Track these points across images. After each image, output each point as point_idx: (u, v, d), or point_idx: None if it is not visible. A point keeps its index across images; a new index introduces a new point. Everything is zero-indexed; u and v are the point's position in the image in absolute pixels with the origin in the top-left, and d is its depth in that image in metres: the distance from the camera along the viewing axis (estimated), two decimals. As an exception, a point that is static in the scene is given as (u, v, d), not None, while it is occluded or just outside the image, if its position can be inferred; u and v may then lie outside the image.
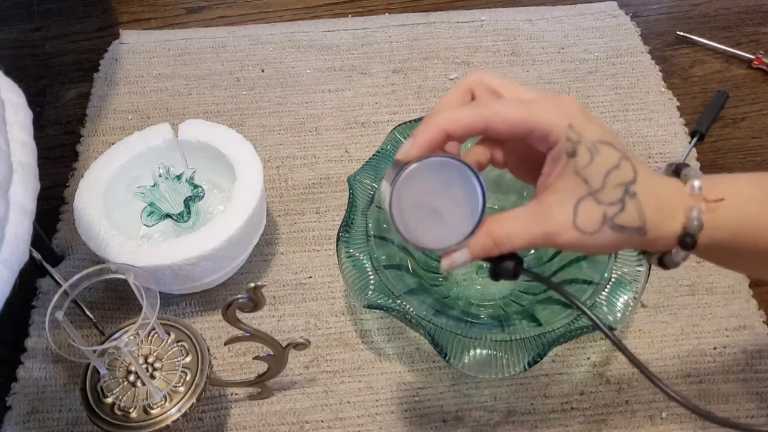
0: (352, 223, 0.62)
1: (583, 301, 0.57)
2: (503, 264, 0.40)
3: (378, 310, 0.59)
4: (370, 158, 0.67)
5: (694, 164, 0.78)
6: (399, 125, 0.68)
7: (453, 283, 0.66)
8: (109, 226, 0.63)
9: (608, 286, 0.57)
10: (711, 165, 0.78)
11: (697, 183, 0.37)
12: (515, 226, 0.38)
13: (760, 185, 0.38)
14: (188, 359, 0.55)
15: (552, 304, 0.60)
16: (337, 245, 0.61)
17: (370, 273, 0.59)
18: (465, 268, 0.67)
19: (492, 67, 0.89)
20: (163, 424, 0.52)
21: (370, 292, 0.58)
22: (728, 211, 0.37)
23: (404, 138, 0.67)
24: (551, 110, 0.37)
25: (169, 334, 0.56)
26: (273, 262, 0.71)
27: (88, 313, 0.58)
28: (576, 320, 0.56)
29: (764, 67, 0.87)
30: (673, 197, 0.37)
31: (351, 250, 0.60)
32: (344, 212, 0.63)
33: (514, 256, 0.40)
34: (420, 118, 0.68)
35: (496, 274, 0.41)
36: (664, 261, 0.39)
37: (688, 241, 0.37)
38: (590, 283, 0.59)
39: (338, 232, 0.61)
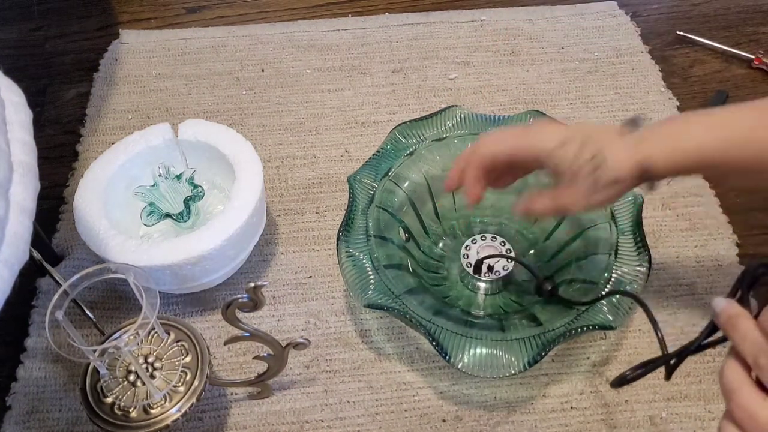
0: (352, 222, 0.62)
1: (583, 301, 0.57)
2: (544, 285, 0.59)
3: (378, 310, 0.59)
4: (370, 158, 0.67)
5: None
6: (399, 125, 0.68)
7: (453, 283, 0.66)
8: (108, 226, 0.63)
9: (608, 286, 0.57)
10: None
11: (637, 133, 0.49)
12: (545, 203, 0.53)
13: (710, 127, 0.48)
14: (188, 359, 0.55)
15: (552, 304, 0.60)
16: (337, 245, 0.61)
17: (370, 273, 0.59)
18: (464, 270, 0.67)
19: (492, 67, 0.89)
20: (163, 424, 0.52)
21: (370, 292, 0.58)
22: (680, 154, 0.48)
23: (404, 137, 0.67)
24: (522, 135, 0.53)
25: (169, 334, 0.56)
26: (273, 261, 0.71)
27: (88, 313, 0.58)
28: (576, 320, 0.56)
29: (764, 67, 0.87)
30: (628, 154, 0.49)
31: (351, 250, 0.60)
32: (344, 212, 0.63)
33: (552, 281, 0.60)
34: (420, 118, 0.68)
35: (539, 292, 0.60)
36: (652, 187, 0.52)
37: (646, 178, 0.49)
38: (590, 282, 0.59)
39: (338, 232, 0.61)
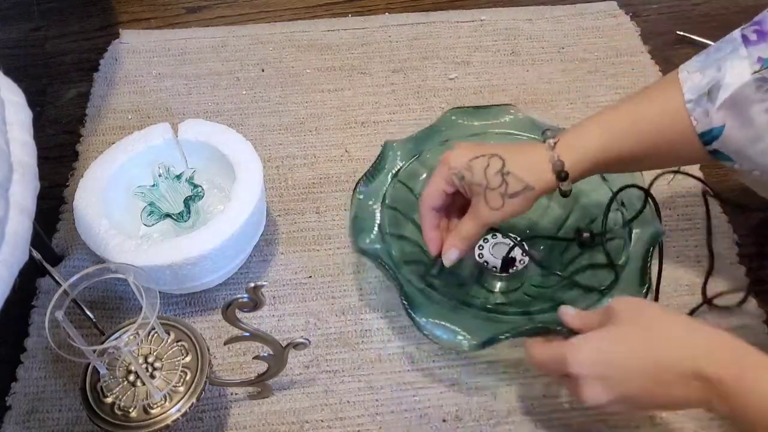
0: (373, 178, 0.67)
1: (595, 301, 0.58)
2: (581, 237, 0.63)
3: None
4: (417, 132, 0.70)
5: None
6: (454, 108, 0.71)
7: (468, 284, 0.66)
8: (108, 226, 0.63)
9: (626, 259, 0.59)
10: (711, 164, 0.78)
11: (551, 141, 0.55)
12: (467, 226, 0.58)
13: (602, 125, 0.55)
14: (188, 359, 0.55)
15: (571, 289, 0.61)
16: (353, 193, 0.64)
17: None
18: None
19: (492, 66, 0.89)
20: (163, 424, 0.52)
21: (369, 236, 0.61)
22: (584, 151, 0.54)
23: (462, 119, 0.71)
24: (440, 170, 0.58)
25: (169, 334, 0.56)
26: (273, 262, 0.71)
27: (88, 312, 0.58)
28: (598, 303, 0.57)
29: (764, 67, 0.87)
30: (539, 159, 0.55)
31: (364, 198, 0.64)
32: (343, 211, 0.63)
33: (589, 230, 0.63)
34: (480, 107, 0.71)
35: (580, 243, 0.63)
36: (562, 193, 0.57)
37: (562, 176, 0.54)
38: (609, 266, 0.60)
39: (357, 183, 0.65)
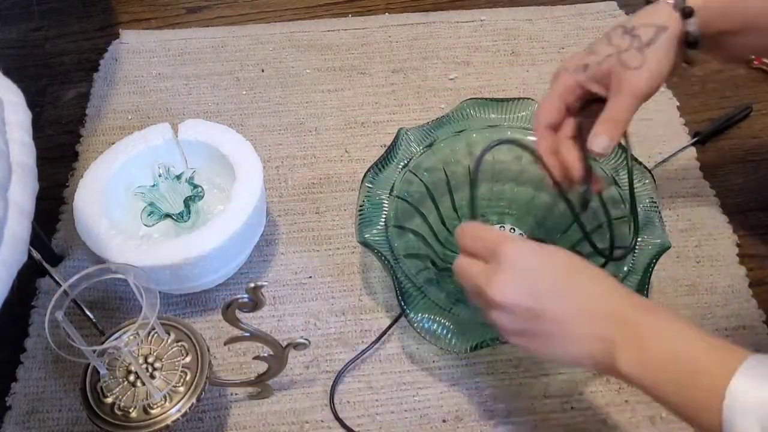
0: (384, 167, 0.65)
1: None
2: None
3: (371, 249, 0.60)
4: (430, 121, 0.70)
5: (693, 164, 0.78)
6: (468, 99, 0.70)
7: None
8: (109, 226, 0.63)
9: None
10: (711, 164, 0.78)
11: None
12: (616, 105, 0.53)
13: None
14: (188, 359, 0.55)
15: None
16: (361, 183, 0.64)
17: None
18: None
19: (492, 67, 0.89)
20: (163, 424, 0.52)
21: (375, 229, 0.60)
22: None
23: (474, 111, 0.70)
24: (554, 84, 0.55)
25: (169, 334, 0.56)
26: (273, 262, 0.71)
27: (88, 313, 0.58)
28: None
29: (764, 67, 0.87)
30: (661, 6, 0.52)
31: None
32: (344, 211, 0.63)
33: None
34: (495, 99, 0.70)
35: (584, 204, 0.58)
36: (689, 40, 0.53)
37: (686, 11, 0.51)
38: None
39: (367, 171, 0.64)
